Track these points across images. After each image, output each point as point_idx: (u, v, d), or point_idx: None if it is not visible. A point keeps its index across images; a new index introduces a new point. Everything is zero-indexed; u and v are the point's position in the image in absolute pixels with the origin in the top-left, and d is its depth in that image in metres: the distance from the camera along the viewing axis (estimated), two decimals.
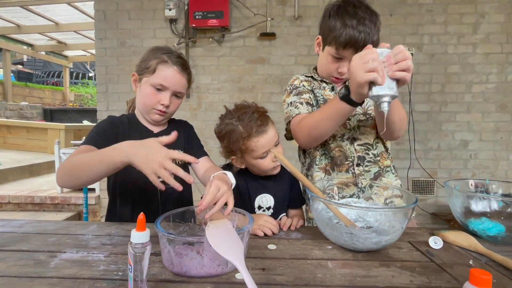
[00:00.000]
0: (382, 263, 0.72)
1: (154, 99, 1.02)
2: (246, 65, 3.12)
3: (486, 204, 0.85)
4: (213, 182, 0.76)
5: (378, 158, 1.13)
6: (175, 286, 0.60)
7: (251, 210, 1.03)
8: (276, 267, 0.69)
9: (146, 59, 1.04)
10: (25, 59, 12.39)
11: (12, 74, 8.64)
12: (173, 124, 1.17)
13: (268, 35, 3.01)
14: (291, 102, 1.15)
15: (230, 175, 0.88)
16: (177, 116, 1.17)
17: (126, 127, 1.05)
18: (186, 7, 3.01)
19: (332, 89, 1.17)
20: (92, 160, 0.80)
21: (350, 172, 1.10)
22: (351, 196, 1.04)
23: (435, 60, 3.04)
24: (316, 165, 1.15)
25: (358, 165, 1.10)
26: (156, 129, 1.10)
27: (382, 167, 1.12)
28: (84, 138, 1.05)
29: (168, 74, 1.01)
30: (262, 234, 0.85)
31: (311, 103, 1.14)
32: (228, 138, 0.99)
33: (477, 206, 0.86)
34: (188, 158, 0.77)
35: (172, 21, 3.05)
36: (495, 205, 0.85)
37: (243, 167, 1.04)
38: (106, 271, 0.65)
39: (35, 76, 12.03)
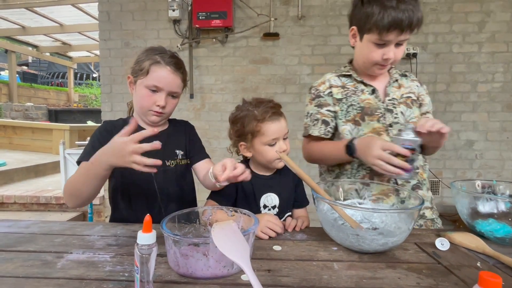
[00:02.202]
0: (389, 264, 0.71)
1: (150, 101, 1.01)
2: (249, 65, 3.12)
3: (494, 205, 0.84)
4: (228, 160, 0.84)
5: (418, 171, 1.10)
6: None
7: (257, 209, 1.04)
8: (282, 269, 0.68)
9: (139, 61, 1.03)
10: (30, 60, 12.51)
11: (17, 75, 8.73)
12: (173, 124, 1.16)
13: (271, 35, 3.00)
14: (310, 113, 1.16)
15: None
16: (180, 116, 1.18)
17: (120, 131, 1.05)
18: (189, 8, 3.02)
19: (373, 92, 1.11)
20: (82, 178, 0.87)
21: (391, 183, 1.06)
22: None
23: (440, 59, 3.01)
24: (349, 177, 1.11)
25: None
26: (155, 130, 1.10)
27: (421, 180, 1.10)
28: (89, 138, 1.05)
29: (162, 74, 1.00)
30: (266, 238, 0.85)
31: (328, 120, 1.12)
32: (242, 121, 1.03)
33: (484, 207, 0.85)
34: (154, 146, 0.77)
35: (176, 21, 3.06)
36: (502, 206, 0.84)
37: (249, 155, 1.06)
38: (112, 272, 0.66)
39: (40, 77, 12.13)
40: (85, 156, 0.96)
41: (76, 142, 4.13)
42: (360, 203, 0.93)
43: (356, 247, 0.75)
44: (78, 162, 0.96)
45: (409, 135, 0.92)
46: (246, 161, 1.13)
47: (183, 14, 3.04)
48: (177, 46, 3.04)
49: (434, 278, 0.65)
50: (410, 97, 1.14)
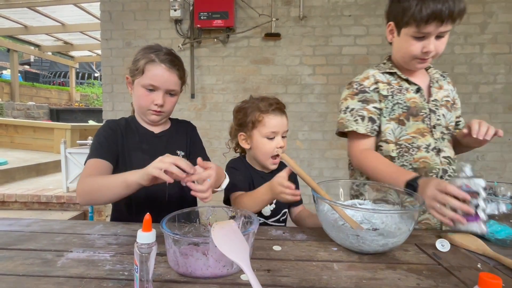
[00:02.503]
0: (388, 265, 0.71)
1: (148, 100, 1.01)
2: (250, 65, 3.12)
3: (495, 207, 0.84)
4: (214, 167, 0.83)
5: (457, 174, 1.08)
6: (181, 287, 0.61)
7: None
8: (281, 269, 0.68)
9: (135, 61, 1.02)
10: (32, 60, 12.54)
11: (19, 74, 8.75)
12: (175, 124, 1.16)
13: (273, 36, 3.00)
14: (351, 109, 1.07)
15: (226, 181, 0.93)
16: (181, 116, 1.18)
17: (123, 130, 1.05)
18: (191, 8, 3.02)
19: (417, 91, 1.08)
20: (110, 182, 0.85)
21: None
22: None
23: (442, 60, 3.00)
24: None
25: (441, 177, 1.05)
26: (157, 130, 1.10)
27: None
28: (90, 138, 1.06)
29: (157, 73, 0.99)
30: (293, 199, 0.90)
31: (374, 118, 1.06)
32: (245, 111, 1.07)
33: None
34: (187, 168, 0.77)
35: (177, 21, 3.06)
36: (503, 208, 0.83)
37: (247, 147, 1.09)
38: (112, 271, 0.66)
39: (42, 76, 12.16)
40: (93, 154, 0.96)
41: (78, 142, 4.13)
42: (360, 204, 0.93)
43: (356, 247, 0.75)
44: (85, 163, 0.96)
45: (468, 175, 0.80)
46: (243, 157, 1.15)
47: (185, 14, 3.05)
48: (179, 46, 3.04)
49: (434, 279, 0.65)
50: (449, 100, 1.14)
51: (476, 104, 3.01)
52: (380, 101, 1.08)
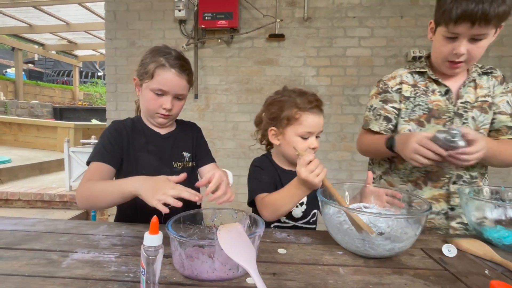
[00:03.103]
0: (395, 270, 0.70)
1: (156, 104, 1.01)
2: (254, 66, 3.11)
3: (502, 212, 0.83)
4: (217, 172, 0.83)
5: (474, 180, 1.05)
6: None
7: None
8: (287, 272, 0.68)
9: (144, 63, 1.01)
10: (36, 58, 12.61)
11: (23, 73, 8.80)
12: (181, 125, 1.16)
13: (277, 37, 3.00)
14: (373, 107, 1.14)
15: (230, 174, 0.90)
16: (185, 117, 1.18)
17: (129, 132, 1.05)
18: (195, 8, 3.03)
19: (446, 92, 1.05)
20: (107, 189, 0.86)
21: (444, 189, 1.04)
22: (438, 214, 1.06)
23: None
24: (401, 178, 1.11)
25: (454, 183, 1.04)
26: (163, 131, 1.09)
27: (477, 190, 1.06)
28: (93, 137, 1.06)
29: (167, 78, 0.98)
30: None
31: (391, 117, 1.10)
32: (281, 105, 0.99)
33: (492, 213, 0.84)
34: (191, 197, 0.76)
35: (182, 22, 3.07)
36: (511, 213, 0.82)
37: (276, 142, 1.02)
38: (117, 272, 0.66)
39: (46, 75, 12.22)
40: (95, 156, 0.96)
41: (81, 140, 4.15)
42: (365, 207, 0.92)
43: (363, 252, 0.74)
44: (88, 162, 0.97)
45: (453, 135, 0.86)
46: (268, 154, 1.11)
47: (189, 14, 3.05)
48: (183, 46, 3.04)
49: (441, 285, 0.64)
50: (487, 100, 1.04)
51: None
52: (401, 101, 1.09)
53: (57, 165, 4.59)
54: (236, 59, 3.12)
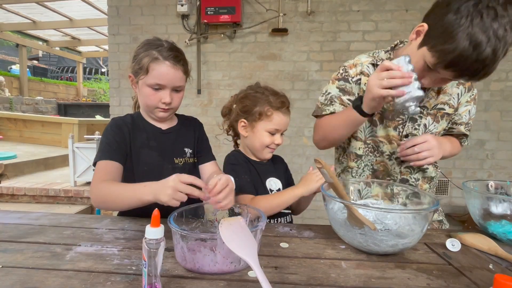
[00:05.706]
0: (398, 264, 0.70)
1: (155, 99, 0.99)
2: (257, 61, 3.10)
3: (507, 207, 0.82)
4: (224, 176, 0.81)
5: (418, 183, 1.08)
6: (188, 282, 0.61)
7: (266, 192, 1.06)
8: (289, 266, 0.68)
9: (137, 58, 0.99)
10: (40, 55, 12.67)
11: (28, 69, 8.85)
12: (183, 120, 1.15)
13: (280, 31, 2.98)
14: (329, 93, 1.07)
15: (232, 180, 0.90)
16: (187, 112, 1.17)
17: (130, 128, 1.03)
18: (198, 3, 3.01)
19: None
20: (124, 195, 0.85)
21: (389, 188, 1.00)
22: None
23: None
24: (353, 176, 1.12)
25: (400, 181, 1.08)
26: (164, 126, 1.08)
27: (429, 177, 1.10)
28: (97, 132, 1.06)
29: (162, 71, 0.96)
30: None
31: (345, 105, 1.05)
32: (255, 100, 1.05)
33: (497, 208, 0.83)
34: (198, 182, 0.76)
35: (184, 16, 3.05)
36: None
37: (245, 134, 1.08)
38: (120, 265, 0.66)
39: (50, 71, 12.30)
40: (103, 155, 0.95)
41: (85, 136, 4.17)
42: (373, 204, 0.91)
43: (365, 247, 0.74)
44: (95, 163, 0.96)
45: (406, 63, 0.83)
46: (237, 149, 1.17)
47: (192, 9, 3.03)
48: (185, 41, 3.03)
49: (444, 279, 0.64)
50: (443, 109, 1.03)
51: (487, 102, 2.95)
52: (359, 94, 1.05)
53: (61, 161, 4.63)
54: (239, 54, 3.10)
